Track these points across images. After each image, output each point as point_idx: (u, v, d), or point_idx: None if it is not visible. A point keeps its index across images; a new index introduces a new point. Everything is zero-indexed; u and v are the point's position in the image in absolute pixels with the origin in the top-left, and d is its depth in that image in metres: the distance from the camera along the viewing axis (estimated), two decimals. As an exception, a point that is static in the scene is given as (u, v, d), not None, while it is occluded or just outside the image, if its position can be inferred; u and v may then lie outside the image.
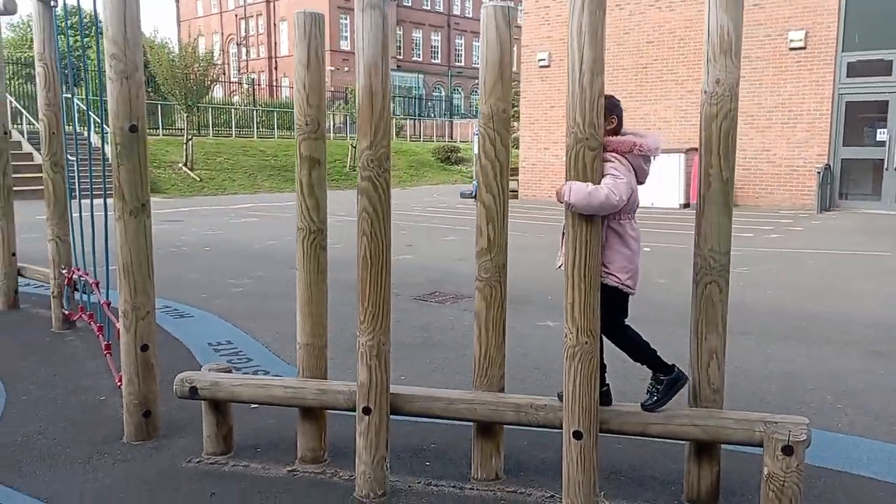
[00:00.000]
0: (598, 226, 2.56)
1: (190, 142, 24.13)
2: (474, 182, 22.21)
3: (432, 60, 61.52)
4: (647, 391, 2.78)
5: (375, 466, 2.87)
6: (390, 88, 2.74)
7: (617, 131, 2.69)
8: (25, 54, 39.28)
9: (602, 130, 2.52)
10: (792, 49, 15.55)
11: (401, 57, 58.57)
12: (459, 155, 33.91)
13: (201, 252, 9.83)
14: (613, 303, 2.70)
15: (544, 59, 18.71)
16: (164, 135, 27.92)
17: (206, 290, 7.09)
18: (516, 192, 20.84)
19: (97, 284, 4.64)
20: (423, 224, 13.94)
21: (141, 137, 3.27)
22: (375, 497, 2.87)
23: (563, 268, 2.66)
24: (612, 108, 2.63)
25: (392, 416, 2.93)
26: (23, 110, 21.40)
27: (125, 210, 3.28)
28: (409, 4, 59.31)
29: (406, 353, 4.95)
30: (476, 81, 55.84)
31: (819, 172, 15.05)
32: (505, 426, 2.99)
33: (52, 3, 5.17)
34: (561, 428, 2.72)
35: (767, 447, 2.48)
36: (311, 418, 3.15)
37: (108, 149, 3.98)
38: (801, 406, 3.88)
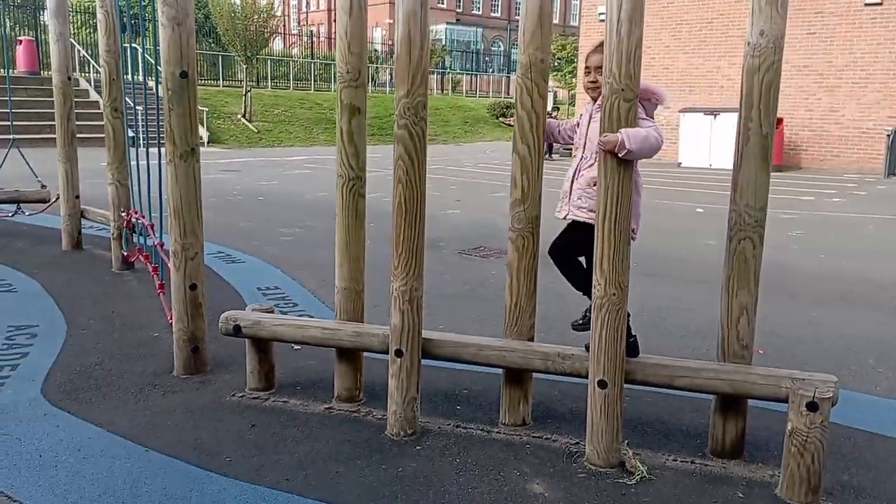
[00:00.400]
0: (630, 177, 2.56)
1: (249, 93, 24.49)
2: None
3: (492, 14, 60.42)
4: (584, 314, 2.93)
5: (406, 407, 2.97)
6: (429, 38, 2.75)
7: None
8: (93, 3, 40.20)
9: (637, 81, 2.50)
10: (867, 5, 14.73)
11: (460, 10, 57.71)
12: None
13: (255, 201, 10.08)
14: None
15: (605, 13, 18.17)
16: (224, 86, 28.38)
17: (257, 238, 7.30)
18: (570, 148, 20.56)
19: (152, 226, 4.84)
20: (473, 180, 13.93)
21: (191, 83, 3.38)
22: (405, 436, 2.99)
23: (563, 217, 2.88)
24: None
25: (424, 361, 3.03)
26: (90, 59, 22.00)
27: (175, 154, 3.41)
28: (470, -45, 58.15)
29: (447, 303, 5.04)
30: (496, 34, 54.15)
31: (889, 135, 14.38)
32: (534, 374, 3.06)
33: (113, -49, 5.30)
34: (587, 377, 2.77)
35: (792, 403, 2.48)
36: (347, 359, 3.28)
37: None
38: (841, 368, 3.82)
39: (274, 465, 2.77)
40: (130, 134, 5.73)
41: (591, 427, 2.74)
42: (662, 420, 3.19)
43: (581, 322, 2.97)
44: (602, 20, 18.35)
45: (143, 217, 5.04)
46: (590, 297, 2.77)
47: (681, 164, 16.88)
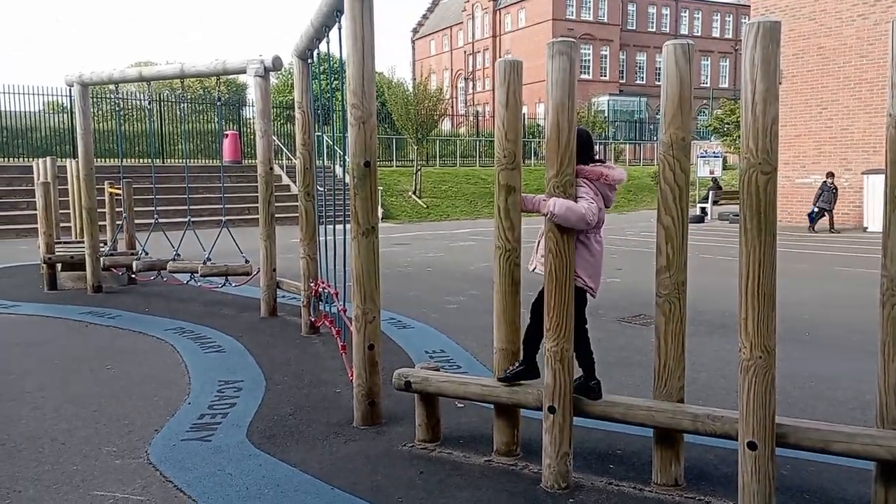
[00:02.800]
0: (773, 247, 2.68)
1: (419, 171, 26.07)
2: (700, 205, 21.44)
3: (656, 83, 59.98)
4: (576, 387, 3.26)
5: (559, 461, 3.19)
6: (575, 123, 3.09)
7: (586, 162, 3.26)
8: (285, 98, 45.06)
9: (775, 155, 2.65)
10: None
11: (623, 81, 57.92)
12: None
13: (423, 272, 10.77)
14: (578, 302, 3.27)
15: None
16: (396, 166, 30.43)
17: (425, 306, 7.84)
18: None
19: (336, 294, 5.48)
20: (635, 248, 13.86)
21: (372, 172, 3.94)
22: (559, 489, 3.18)
23: (536, 271, 3.35)
24: (588, 140, 3.29)
25: (578, 419, 3.24)
26: (283, 147, 24.61)
27: (359, 231, 3.96)
28: (634, 28, 58.59)
29: (603, 368, 5.10)
30: (704, 102, 52.86)
31: None
32: (687, 437, 3.16)
33: (309, 61, 6.22)
34: (736, 439, 2.85)
35: (957, 473, 2.41)
36: (504, 415, 3.56)
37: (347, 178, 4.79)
38: None
39: (439, 507, 3.08)
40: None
41: (742, 489, 2.79)
42: (824, 488, 3.14)
43: (509, 374, 3.42)
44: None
45: (329, 286, 5.70)
46: (528, 350, 3.39)
47: (867, 228, 15.69)
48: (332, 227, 5.68)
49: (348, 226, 4.25)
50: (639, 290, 8.70)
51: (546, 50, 3.08)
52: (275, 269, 7.26)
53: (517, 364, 3.45)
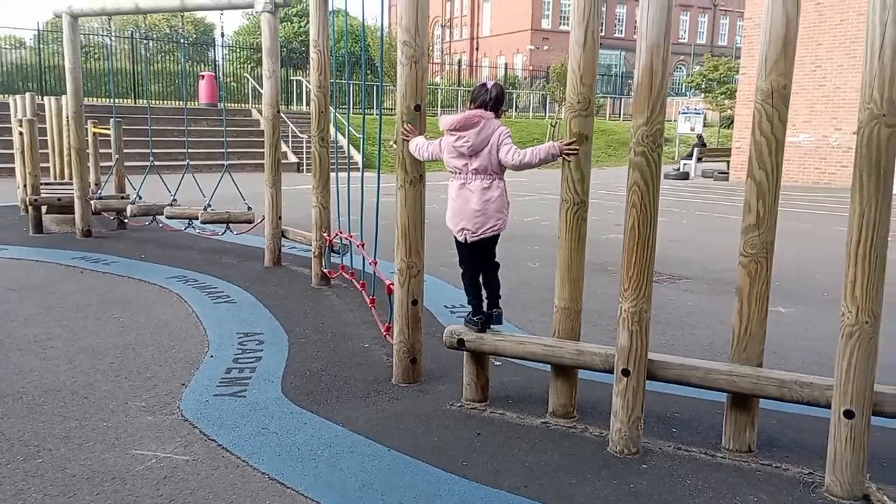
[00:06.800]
0: (889, 207, 2.52)
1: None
2: (683, 162, 21.39)
3: (635, 37, 59.39)
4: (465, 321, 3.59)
5: (631, 426, 3.05)
6: (669, 68, 2.85)
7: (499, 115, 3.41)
8: (256, 40, 43.61)
9: (898, 107, 2.46)
10: None
11: (602, 34, 57.22)
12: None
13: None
14: (495, 243, 3.50)
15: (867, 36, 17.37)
16: (375, 114, 29.76)
17: (430, 258, 7.55)
18: (727, 174, 19.80)
19: (362, 245, 5.23)
20: (630, 204, 13.73)
21: (422, 115, 3.67)
22: (629, 454, 3.05)
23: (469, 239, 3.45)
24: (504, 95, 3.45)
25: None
26: (261, 91, 23.76)
27: (406, 180, 3.70)
28: (615, -22, 57.65)
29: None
30: (681, 58, 52.52)
31: None
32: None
33: (326, -5, 5.83)
34: (826, 406, 2.73)
35: None
36: (564, 376, 3.40)
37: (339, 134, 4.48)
38: None
39: (508, 471, 2.93)
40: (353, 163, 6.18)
41: (833, 458, 2.69)
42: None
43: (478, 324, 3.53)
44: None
45: (353, 237, 5.44)
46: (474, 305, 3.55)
47: (853, 189, 15.83)
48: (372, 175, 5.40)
49: (347, 174, 4.02)
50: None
51: (641, -16, 2.82)
52: (280, 217, 6.96)
53: (480, 316, 3.55)
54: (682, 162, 21.60)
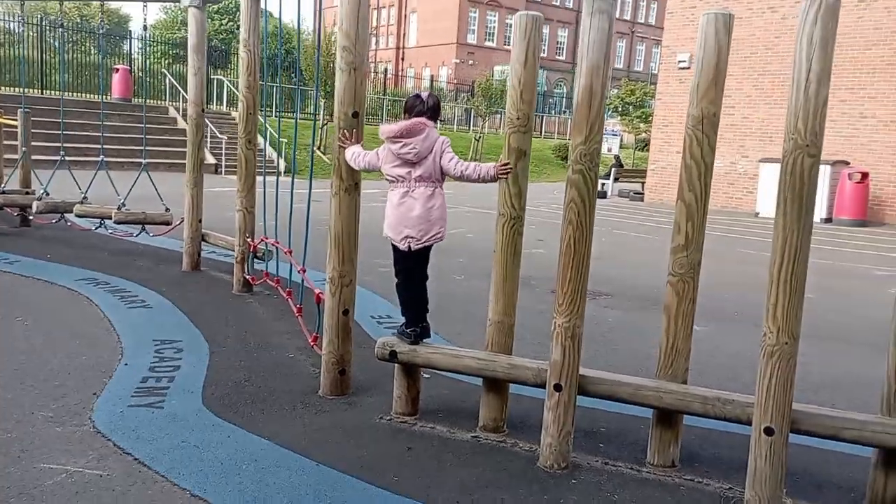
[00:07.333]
0: (810, 235, 2.65)
1: (325, 126, 25.21)
2: (601, 181, 22.03)
3: (557, 57, 61.01)
4: (398, 333, 3.58)
5: (561, 440, 3.08)
6: (607, 91, 2.92)
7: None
8: (173, 35, 42.16)
9: (821, 139, 2.60)
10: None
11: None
12: (581, 154, 33.48)
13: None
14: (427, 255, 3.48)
15: (685, 62, 18.22)
16: (300, 119, 29.29)
17: (360, 269, 7.52)
18: (642, 194, 20.52)
19: (290, 252, 5.10)
20: (551, 220, 14.01)
21: (360, 123, 3.62)
22: (559, 469, 3.08)
23: (412, 247, 3.42)
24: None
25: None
26: (179, 88, 22.98)
27: (341, 187, 3.65)
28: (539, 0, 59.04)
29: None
30: (560, 76, 53.85)
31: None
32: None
33: (257, -4, 5.69)
34: (747, 423, 2.84)
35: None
36: (496, 390, 3.40)
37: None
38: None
39: (439, 486, 2.90)
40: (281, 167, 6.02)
41: (753, 474, 2.79)
42: (811, 472, 3.21)
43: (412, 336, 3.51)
44: (682, 68, 18.43)
45: (279, 243, 5.30)
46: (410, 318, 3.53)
47: (758, 213, 16.68)
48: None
49: (276, 178, 3.93)
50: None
51: (584, 7, 2.88)
52: (200, 220, 6.72)
53: (415, 328, 3.53)
54: (601, 182, 22.26)
